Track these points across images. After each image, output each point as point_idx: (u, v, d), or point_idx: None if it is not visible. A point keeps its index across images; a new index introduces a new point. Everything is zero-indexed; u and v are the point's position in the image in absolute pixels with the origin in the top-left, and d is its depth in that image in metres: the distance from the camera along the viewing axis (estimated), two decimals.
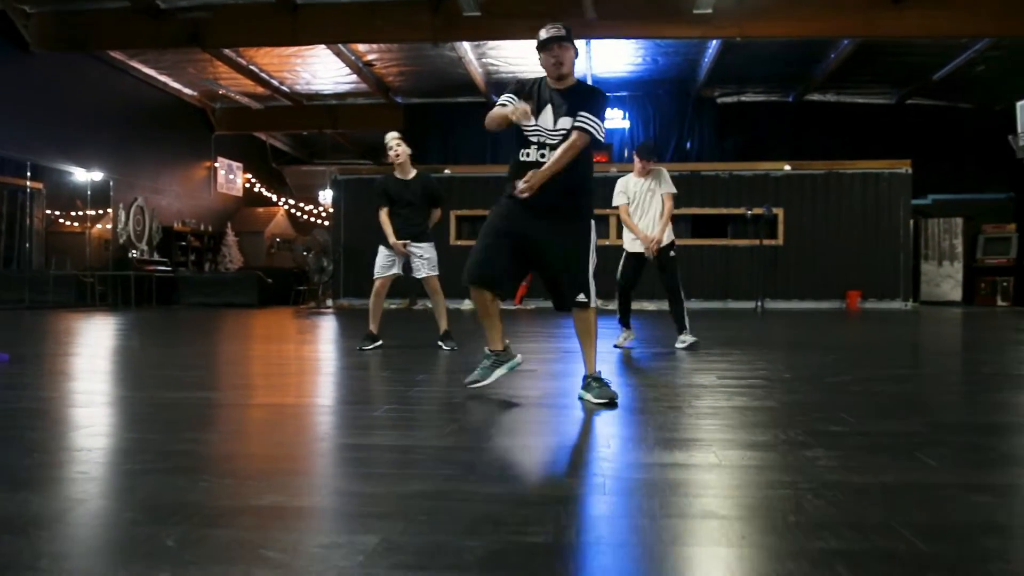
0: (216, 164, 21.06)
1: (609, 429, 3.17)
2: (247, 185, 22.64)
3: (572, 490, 2.26)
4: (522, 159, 3.86)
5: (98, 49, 15.34)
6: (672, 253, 6.77)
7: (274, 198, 23.47)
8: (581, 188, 3.90)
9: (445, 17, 13.71)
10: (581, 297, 3.85)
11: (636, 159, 6.84)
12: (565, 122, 3.79)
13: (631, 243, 6.87)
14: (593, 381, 3.84)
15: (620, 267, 6.95)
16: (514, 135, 3.91)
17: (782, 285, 16.28)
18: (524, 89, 3.90)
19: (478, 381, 3.98)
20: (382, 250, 6.86)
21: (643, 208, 6.78)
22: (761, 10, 13.28)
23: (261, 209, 22.69)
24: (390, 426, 3.27)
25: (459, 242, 16.46)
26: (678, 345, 6.62)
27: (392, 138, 6.75)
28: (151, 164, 18.51)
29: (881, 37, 14.12)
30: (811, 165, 16.77)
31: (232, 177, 21.92)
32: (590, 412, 3.51)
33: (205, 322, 11.87)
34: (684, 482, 2.31)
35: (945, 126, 19.01)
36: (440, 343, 6.67)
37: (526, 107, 3.68)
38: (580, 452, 2.87)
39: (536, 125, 3.83)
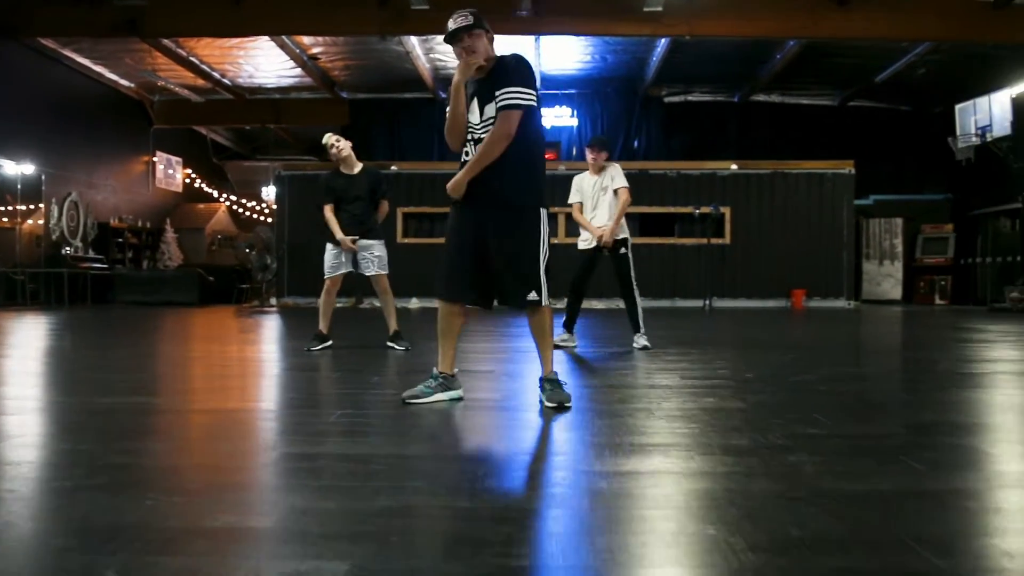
0: (155, 158, 20.40)
1: (577, 434, 3.03)
2: (187, 180, 21.98)
3: (552, 503, 2.11)
4: (463, 160, 3.68)
5: (29, 37, 14.67)
6: (624, 250, 6.65)
7: (215, 194, 22.85)
8: (526, 176, 3.62)
9: (393, 11, 13.45)
10: (532, 295, 3.62)
11: (588, 152, 6.71)
12: (491, 109, 3.57)
13: (583, 240, 6.75)
14: (547, 383, 3.69)
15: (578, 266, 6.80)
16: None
17: (729, 284, 16.39)
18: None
19: (418, 398, 3.69)
20: (330, 248, 6.65)
21: (596, 204, 6.66)
22: (711, 9, 13.31)
23: (202, 205, 22.06)
24: (344, 432, 3.07)
25: (407, 240, 16.21)
26: (635, 345, 6.52)
27: (329, 137, 6.62)
28: (86, 158, 17.82)
29: (826, 38, 14.29)
30: (757, 165, 16.93)
31: (171, 172, 21.27)
32: (552, 416, 3.36)
33: (143, 321, 11.44)
34: (671, 493, 2.17)
35: (886, 128, 19.39)
36: (391, 343, 6.47)
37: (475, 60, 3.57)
38: (553, 459, 2.72)
39: (468, 123, 3.66)
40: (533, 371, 5.14)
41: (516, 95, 3.44)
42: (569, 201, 6.77)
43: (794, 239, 16.62)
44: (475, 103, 3.63)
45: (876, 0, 13.18)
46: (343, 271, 6.61)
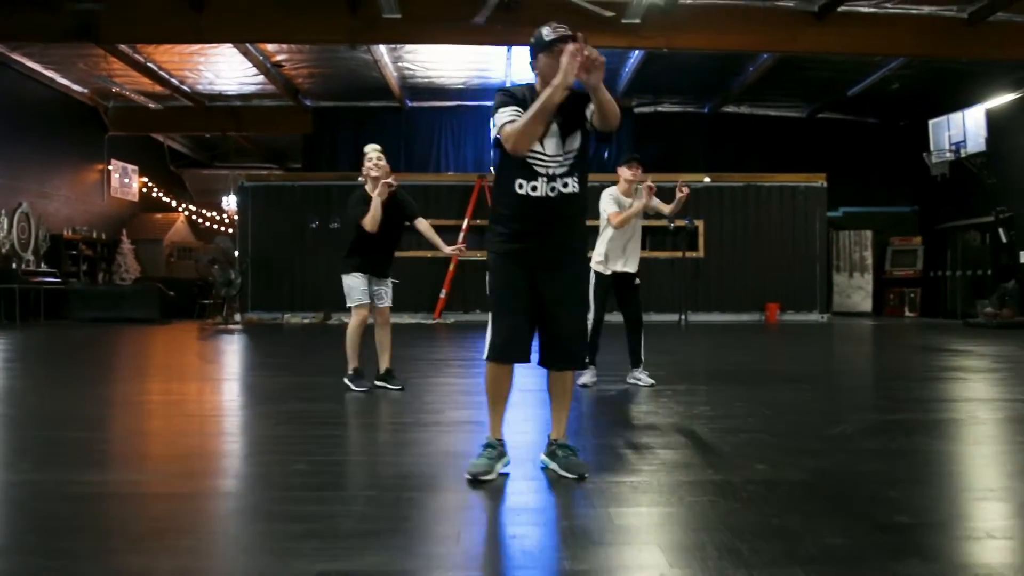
0: (110, 167, 19.61)
1: (638, 519, 2.69)
2: (143, 190, 21.20)
3: None
4: (525, 193, 3.24)
5: None
6: (638, 281, 6.33)
7: (173, 204, 22.08)
8: (581, 223, 3.38)
9: (363, 18, 13.00)
10: (584, 358, 3.35)
11: (628, 170, 6.17)
12: (574, 142, 3.27)
13: (617, 262, 6.14)
14: (559, 448, 3.37)
15: (594, 291, 6.09)
16: (507, 163, 3.29)
17: (703, 298, 16.23)
18: (517, 100, 3.25)
19: (484, 473, 3.23)
20: (355, 275, 5.92)
21: (631, 229, 6.15)
22: (689, 22, 13.10)
23: (159, 215, 21.30)
24: (375, 533, 2.69)
25: None
26: (637, 381, 6.16)
27: (374, 150, 5.90)
28: (37, 166, 17.02)
29: (803, 52, 14.17)
30: (730, 177, 16.81)
31: (127, 181, 20.49)
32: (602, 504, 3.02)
33: (96, 345, 10.85)
34: None
35: (854, 140, 19.42)
36: (382, 383, 5.93)
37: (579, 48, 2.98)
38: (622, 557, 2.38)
39: (539, 152, 3.23)
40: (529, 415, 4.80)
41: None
42: (609, 211, 6.08)
43: (767, 252, 16.53)
44: (553, 128, 3.23)
45: (853, 15, 13.10)
46: (369, 301, 5.98)
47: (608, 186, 6.27)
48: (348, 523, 2.69)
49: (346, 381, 5.90)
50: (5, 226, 15.73)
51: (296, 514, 2.79)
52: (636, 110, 19.44)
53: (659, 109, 19.58)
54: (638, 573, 2.25)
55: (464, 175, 17.39)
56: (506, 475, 3.32)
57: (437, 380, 6.74)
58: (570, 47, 2.96)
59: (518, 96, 3.27)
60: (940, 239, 17.95)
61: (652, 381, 6.14)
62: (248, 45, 14.77)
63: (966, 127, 15.34)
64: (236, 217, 17.81)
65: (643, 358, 6.29)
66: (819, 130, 19.45)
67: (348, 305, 5.93)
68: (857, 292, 18.40)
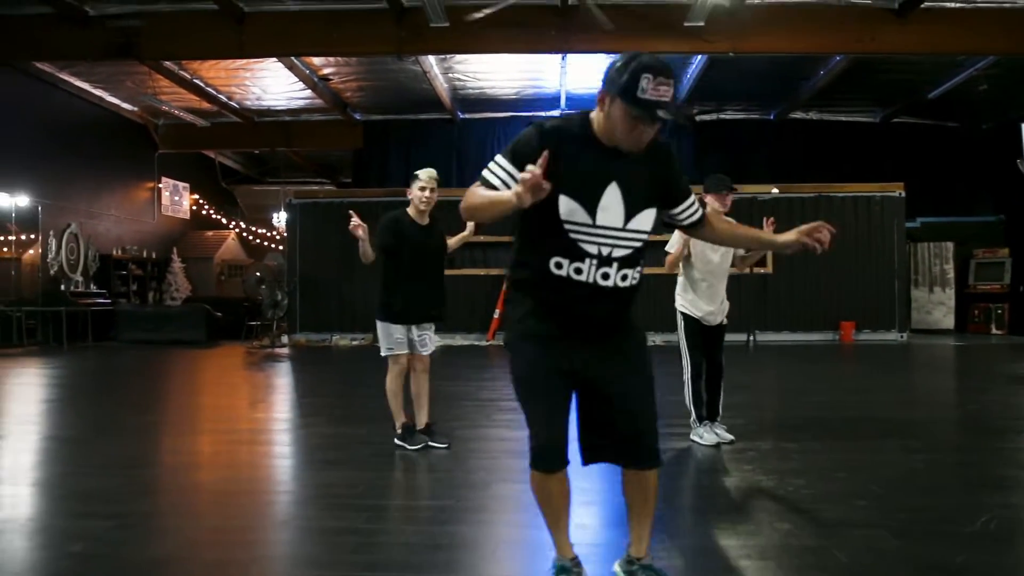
0: (160, 185, 19.41)
1: None
2: (194, 207, 20.99)
3: None
4: (563, 274, 2.45)
5: (18, 60, 13.67)
6: (725, 322, 5.53)
7: (224, 221, 21.83)
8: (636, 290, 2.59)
9: (410, 28, 12.41)
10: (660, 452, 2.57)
11: (715, 199, 5.24)
12: (648, 217, 2.50)
13: (711, 313, 5.40)
14: (642, 570, 2.62)
15: (689, 339, 5.35)
16: (541, 230, 2.47)
17: (772, 316, 15.25)
18: (547, 142, 2.33)
19: None
20: (392, 325, 5.18)
21: (719, 269, 5.37)
22: (756, 23, 12.20)
23: (210, 233, 21.03)
24: None
25: None
26: (721, 439, 5.31)
27: (429, 177, 5.11)
28: (87, 186, 16.83)
29: (882, 53, 13.12)
30: (800, 188, 15.78)
31: (178, 199, 20.28)
32: None
33: (142, 372, 10.40)
34: None
35: (931, 146, 18.18)
36: (428, 442, 5.19)
37: (536, 178, 2.16)
38: None
39: (586, 223, 2.42)
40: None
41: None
42: (670, 248, 5.37)
43: (841, 267, 15.42)
44: (615, 197, 2.43)
45: (938, 11, 12.05)
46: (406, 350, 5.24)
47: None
48: None
49: (397, 442, 5.18)
50: (54, 248, 15.54)
51: None
52: (699, 118, 18.56)
53: (722, 116, 18.66)
54: None
55: None
56: None
57: (485, 431, 5.99)
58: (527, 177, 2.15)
59: (544, 141, 2.35)
60: None
61: (731, 437, 5.33)
62: (293, 59, 14.32)
63: None
64: (285, 234, 17.39)
65: (720, 411, 5.48)
66: (894, 136, 18.27)
67: (382, 354, 5.22)
68: (938, 308, 17.16)
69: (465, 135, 18.63)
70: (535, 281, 2.52)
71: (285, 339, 15.47)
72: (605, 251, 2.44)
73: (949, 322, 17.04)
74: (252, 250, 21.79)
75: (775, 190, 15.63)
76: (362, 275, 15.55)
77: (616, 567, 2.75)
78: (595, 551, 3.03)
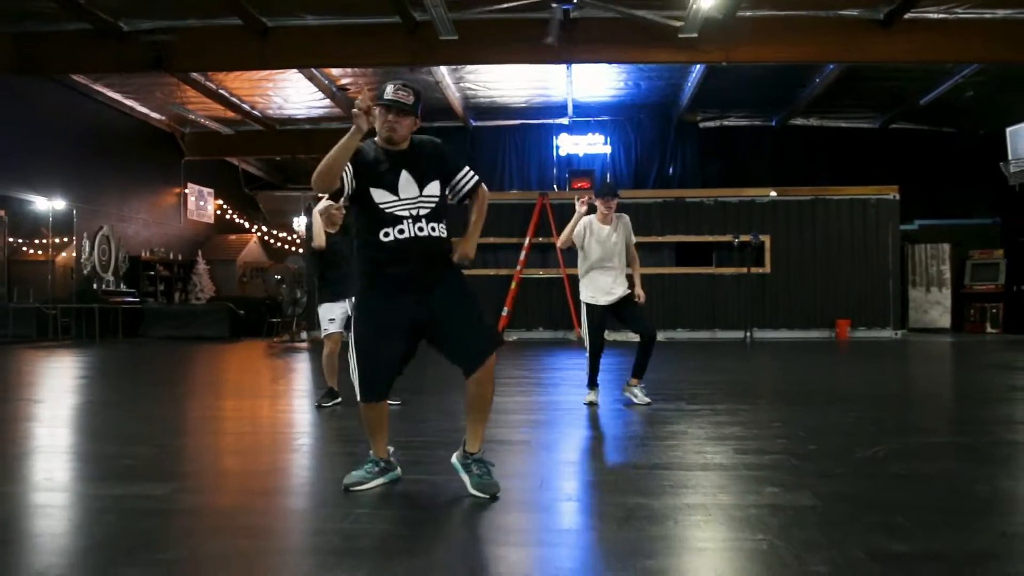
0: (186, 190, 20.37)
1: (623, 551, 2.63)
2: (218, 212, 21.95)
3: None
4: (392, 238, 3.31)
5: (57, 73, 14.64)
6: (639, 298, 6.16)
7: (247, 225, 22.77)
8: (445, 238, 3.46)
9: (422, 41, 13.21)
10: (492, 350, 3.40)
11: (600, 202, 6.12)
12: (434, 188, 3.39)
13: (604, 294, 6.07)
14: (475, 464, 3.37)
15: (587, 321, 6.14)
16: (368, 219, 3.36)
17: (770, 314, 15.86)
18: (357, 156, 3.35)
19: (359, 484, 3.41)
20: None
21: (608, 256, 6.08)
22: (748, 34, 12.87)
23: (233, 236, 21.98)
24: None
25: None
26: (632, 397, 6.06)
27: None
28: (117, 191, 17.81)
29: (870, 62, 13.79)
30: (797, 191, 16.39)
31: (203, 203, 21.23)
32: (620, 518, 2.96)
33: (171, 362, 11.22)
34: None
35: (929, 151, 18.74)
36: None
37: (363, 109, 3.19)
38: None
39: (394, 199, 3.33)
40: (574, 440, 4.76)
41: (474, 172, 3.54)
42: (575, 239, 6.13)
43: (837, 267, 16.04)
44: (405, 177, 3.35)
45: (921, 21, 12.67)
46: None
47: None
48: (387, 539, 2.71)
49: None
50: (87, 249, 16.47)
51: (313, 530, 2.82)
52: (701, 125, 19.23)
53: (724, 123, 19.32)
54: None
55: (527, 193, 17.39)
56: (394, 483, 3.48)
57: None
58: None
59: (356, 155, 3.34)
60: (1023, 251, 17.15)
61: (648, 400, 6.03)
62: (313, 70, 15.17)
63: None
64: (304, 236, 18.20)
65: (644, 373, 6.16)
66: (893, 141, 18.86)
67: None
68: (935, 308, 17.69)
69: (478, 142, 19.41)
70: (373, 251, 3.36)
71: (304, 335, 16.27)
72: (413, 213, 3.32)
73: (945, 321, 17.56)
74: (273, 253, 22.69)
75: (773, 193, 16.27)
76: None
77: (454, 459, 3.48)
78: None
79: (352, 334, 3.41)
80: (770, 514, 2.95)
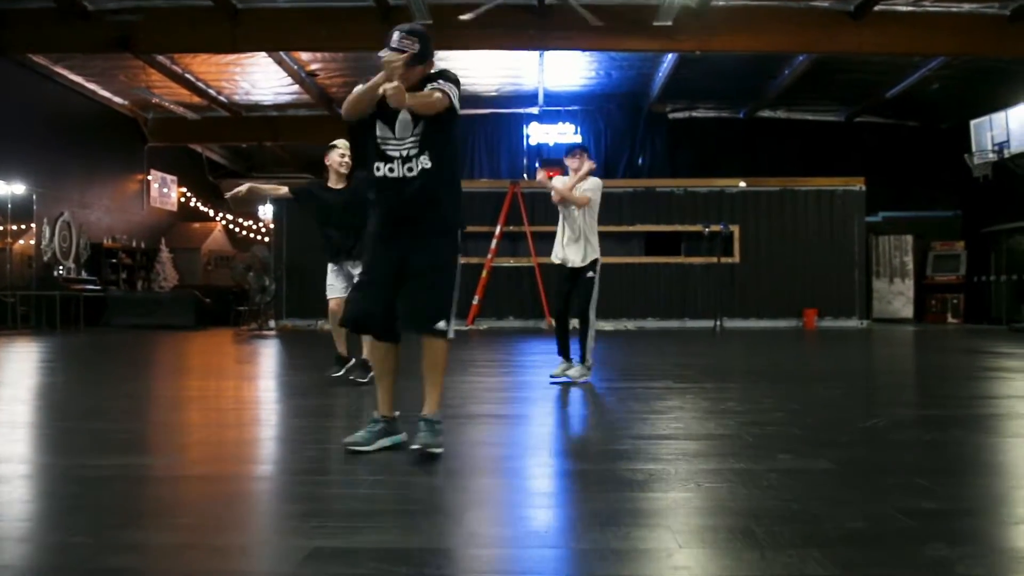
0: (149, 177, 19.95)
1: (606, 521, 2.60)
2: (182, 199, 21.55)
3: None
4: (383, 174, 3.40)
5: (18, 53, 14.22)
6: (591, 274, 6.02)
7: (211, 213, 22.39)
8: (447, 197, 3.48)
9: (395, 26, 13.06)
10: (441, 324, 3.36)
11: (567, 161, 6.18)
12: (423, 127, 3.39)
13: (565, 259, 6.06)
14: (425, 423, 3.37)
15: (554, 286, 6.29)
16: (368, 148, 3.45)
17: (740, 303, 16.01)
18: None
19: (360, 445, 3.39)
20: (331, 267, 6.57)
21: (573, 222, 6.06)
22: (722, 23, 12.98)
23: (197, 224, 21.60)
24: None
25: None
26: (568, 376, 5.93)
27: (344, 144, 6.27)
28: (78, 177, 17.37)
29: (840, 53, 13.97)
30: (766, 182, 16.56)
31: (166, 191, 20.83)
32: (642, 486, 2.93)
33: (137, 350, 10.97)
34: None
35: (893, 144, 19.08)
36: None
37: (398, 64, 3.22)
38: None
39: (391, 137, 3.39)
40: (571, 417, 4.73)
41: (452, 90, 3.36)
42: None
43: (804, 257, 16.25)
44: (404, 116, 3.38)
45: (890, 14, 12.89)
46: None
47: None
48: (353, 504, 2.64)
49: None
50: (47, 235, 16.06)
51: (301, 495, 2.75)
52: (671, 115, 19.34)
53: (694, 115, 19.45)
54: (648, 553, 2.16)
55: (497, 182, 17.32)
56: (396, 448, 3.44)
57: (463, 379, 6.67)
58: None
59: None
60: (984, 243, 17.53)
61: (587, 379, 5.93)
62: (282, 54, 14.94)
63: (1009, 127, 14.95)
64: (272, 226, 17.95)
65: (583, 356, 5.98)
66: (858, 134, 19.17)
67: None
68: (898, 298, 18.03)
69: None
70: (369, 183, 3.49)
71: (272, 324, 16.05)
72: (403, 153, 3.37)
73: (908, 311, 17.91)
74: (238, 241, 22.34)
75: (742, 184, 16.42)
76: None
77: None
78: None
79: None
80: (790, 478, 2.94)
